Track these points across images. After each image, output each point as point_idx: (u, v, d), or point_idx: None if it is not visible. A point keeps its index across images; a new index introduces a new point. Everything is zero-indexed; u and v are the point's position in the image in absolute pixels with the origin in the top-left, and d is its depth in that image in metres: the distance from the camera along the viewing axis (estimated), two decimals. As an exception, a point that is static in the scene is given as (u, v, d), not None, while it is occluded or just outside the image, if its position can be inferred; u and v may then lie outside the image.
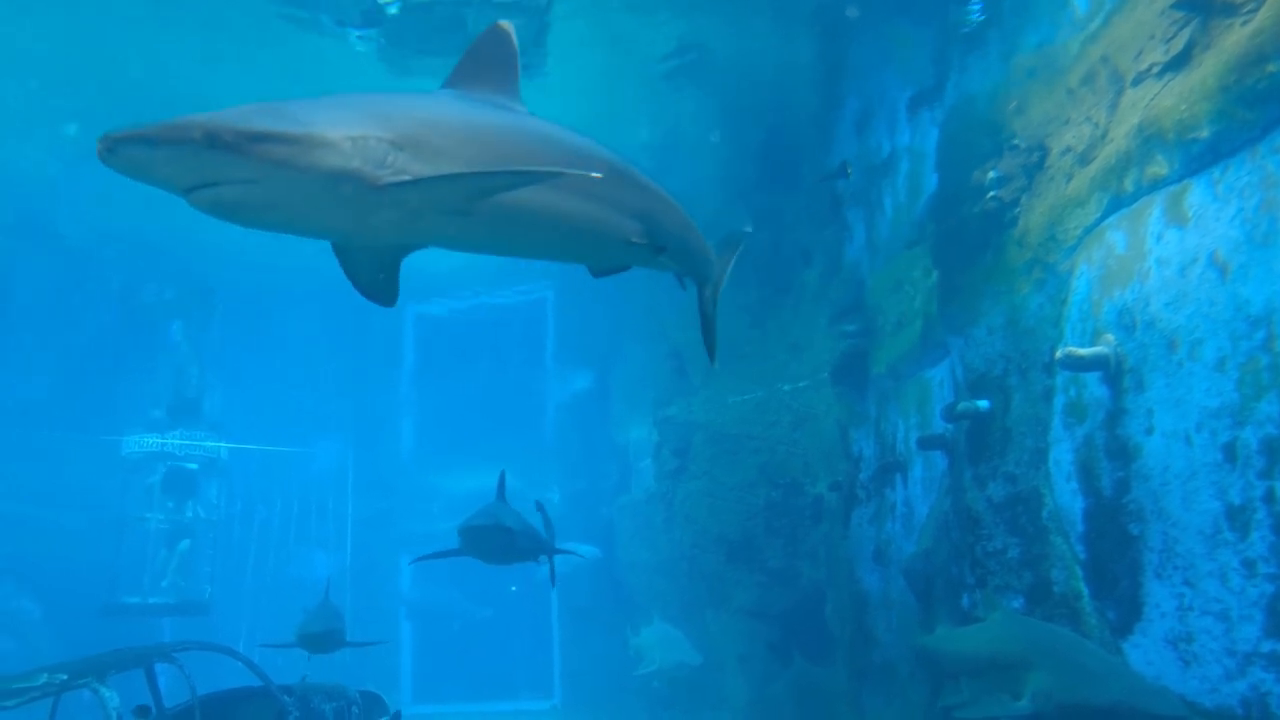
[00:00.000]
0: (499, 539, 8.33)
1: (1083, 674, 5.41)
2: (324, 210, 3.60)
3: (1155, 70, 6.38)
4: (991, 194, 7.99)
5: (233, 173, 3.34)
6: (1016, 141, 7.91)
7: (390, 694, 10.90)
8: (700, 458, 14.81)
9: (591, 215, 4.26)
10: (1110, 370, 6.43)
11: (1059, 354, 6.73)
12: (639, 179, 4.67)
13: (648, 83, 13.01)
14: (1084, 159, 7.11)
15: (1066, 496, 6.93)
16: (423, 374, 23.63)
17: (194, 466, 17.72)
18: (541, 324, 22.67)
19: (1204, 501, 5.65)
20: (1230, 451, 5.45)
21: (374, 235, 3.93)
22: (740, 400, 14.29)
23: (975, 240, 8.28)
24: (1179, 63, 6.15)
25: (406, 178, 3.52)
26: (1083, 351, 6.55)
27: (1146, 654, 6.02)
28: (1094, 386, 6.64)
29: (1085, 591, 6.68)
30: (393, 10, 11.19)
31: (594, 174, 3.93)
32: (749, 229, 6.14)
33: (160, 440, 17.69)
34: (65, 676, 7.17)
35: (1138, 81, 6.58)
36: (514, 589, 21.66)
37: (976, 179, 8.20)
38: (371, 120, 3.58)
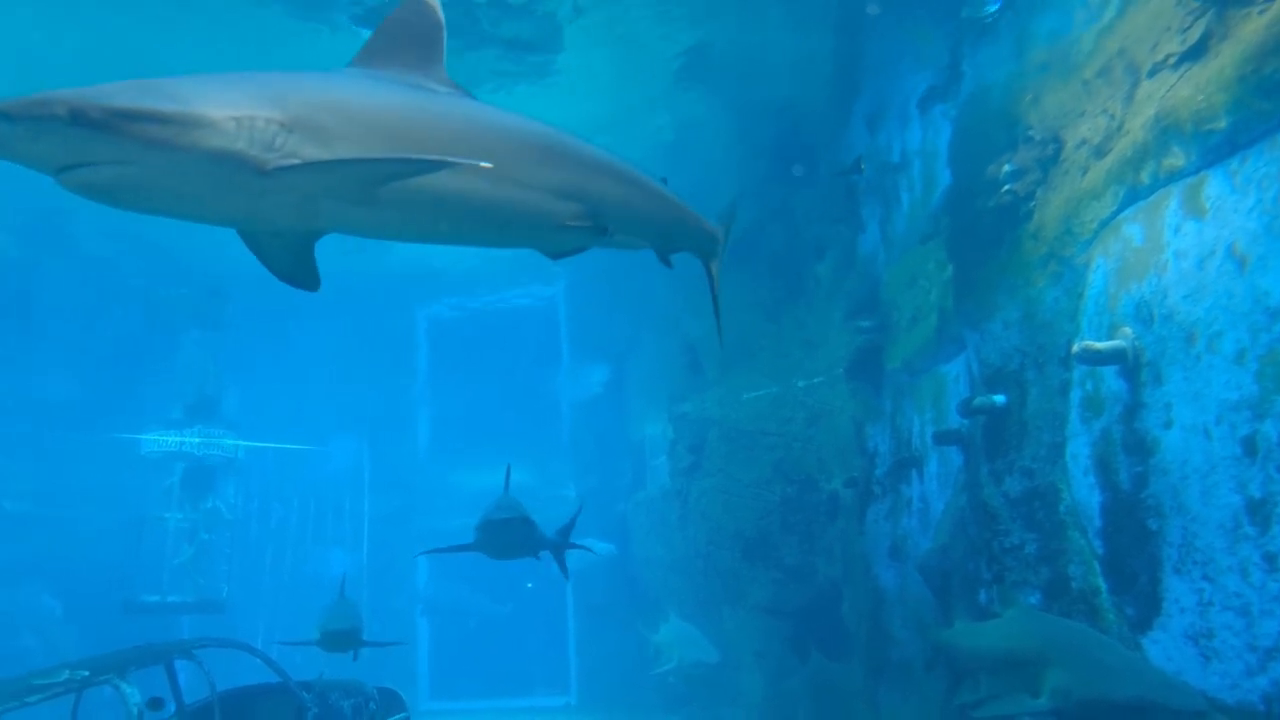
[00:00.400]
0: (519, 532, 8.15)
1: (1102, 670, 5.36)
2: (208, 195, 3.39)
3: (1171, 61, 6.32)
4: (1006, 188, 7.95)
5: (103, 153, 3.13)
6: (1031, 134, 7.86)
7: (407, 691, 10.93)
8: (715, 454, 14.80)
9: (513, 200, 4.00)
10: (1128, 364, 6.38)
11: (1076, 348, 6.68)
12: (581, 156, 4.39)
13: (661, 80, 13.01)
14: (1100, 151, 7.06)
15: (1084, 491, 6.89)
16: (437, 372, 23.73)
17: (210, 468, 17.81)
18: (554, 321, 22.71)
19: (1224, 496, 5.60)
20: (1250, 445, 5.40)
21: (271, 221, 3.70)
22: (755, 396, 14.27)
23: (990, 234, 8.24)
24: (1196, 53, 6.09)
25: (295, 162, 3.31)
26: (1100, 345, 6.51)
27: (1166, 650, 5.98)
28: (1111, 380, 6.59)
29: (1103, 587, 6.64)
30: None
31: (484, 164, 3.53)
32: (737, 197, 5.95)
33: (179, 439, 17.83)
34: (87, 673, 7.24)
35: (1154, 73, 6.53)
36: (530, 586, 21.72)
37: (991, 173, 8.15)
38: (260, 100, 3.35)
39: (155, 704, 7.31)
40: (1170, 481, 6.03)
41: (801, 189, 13.89)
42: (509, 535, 8.17)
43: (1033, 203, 7.76)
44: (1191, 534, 5.85)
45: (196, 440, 17.86)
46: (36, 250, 17.23)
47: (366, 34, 11.90)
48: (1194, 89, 5.94)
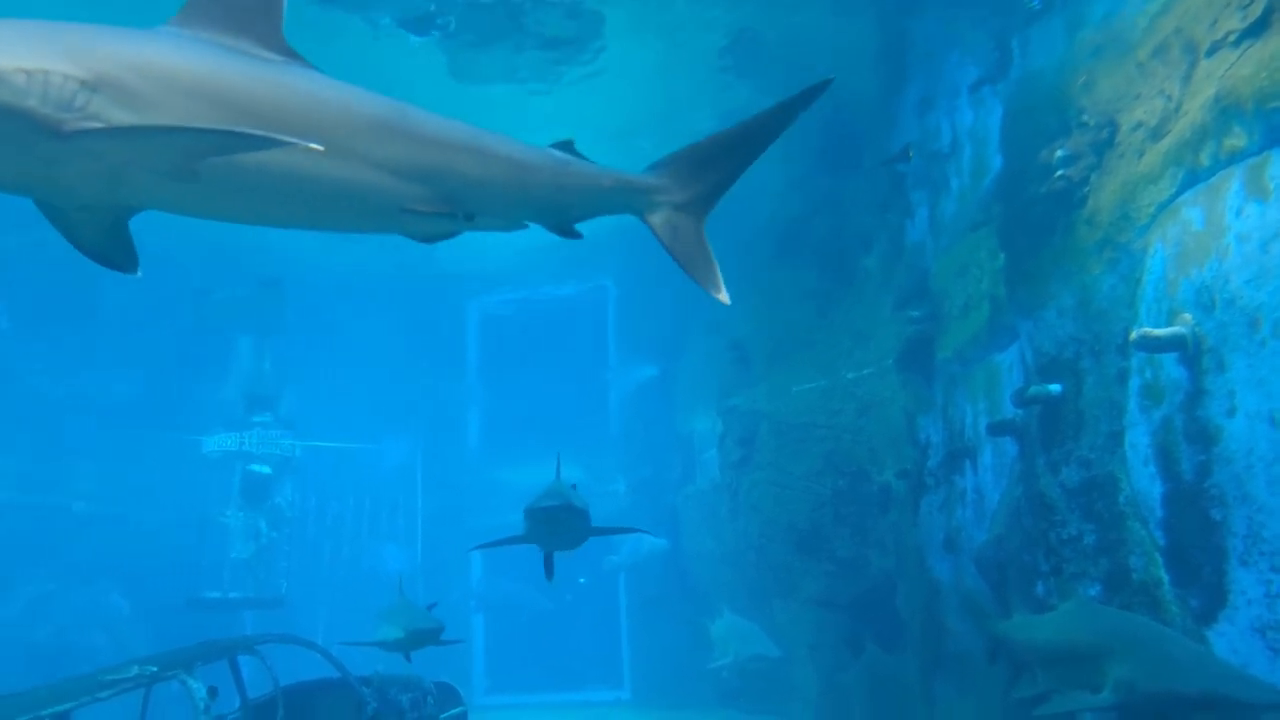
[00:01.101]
0: (565, 520, 7.78)
1: (1167, 663, 5.23)
2: None
3: (1232, 39, 6.16)
4: (1060, 173, 7.81)
5: None
6: (1085, 118, 7.71)
7: (463, 685, 11.07)
8: (765, 447, 14.75)
9: (352, 181, 3.66)
10: (1188, 351, 6.24)
11: (1134, 335, 6.55)
12: (433, 133, 4.02)
13: (704, 70, 12.96)
14: (1156, 134, 6.91)
15: (1144, 481, 6.76)
16: (487, 369, 23.92)
17: (268, 471, 18.15)
18: (603, 316, 22.77)
19: (1291, 484, 5.47)
20: (1318, 432, 5.26)
21: (76, 193, 3.36)
22: (804, 389, 14.19)
23: (1044, 221, 8.10)
24: (1258, 29, 5.93)
25: (98, 126, 2.98)
26: (1159, 332, 6.37)
27: (1232, 643, 5.84)
28: (1171, 368, 6.45)
29: (1166, 579, 6.51)
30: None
31: (313, 145, 3.18)
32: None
33: (238, 439, 18.22)
34: (155, 668, 7.45)
35: (1213, 51, 6.36)
36: (583, 581, 21.84)
37: (1044, 158, 8.02)
38: (59, 54, 3.00)
39: (211, 693, 7.53)
40: (1234, 470, 5.89)
41: (849, 179, 13.77)
42: (555, 524, 7.83)
43: (1087, 188, 7.62)
44: (1258, 524, 5.71)
45: (255, 440, 18.24)
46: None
47: (413, 40, 12.18)
48: (1256, 66, 5.78)
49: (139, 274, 3.85)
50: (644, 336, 21.14)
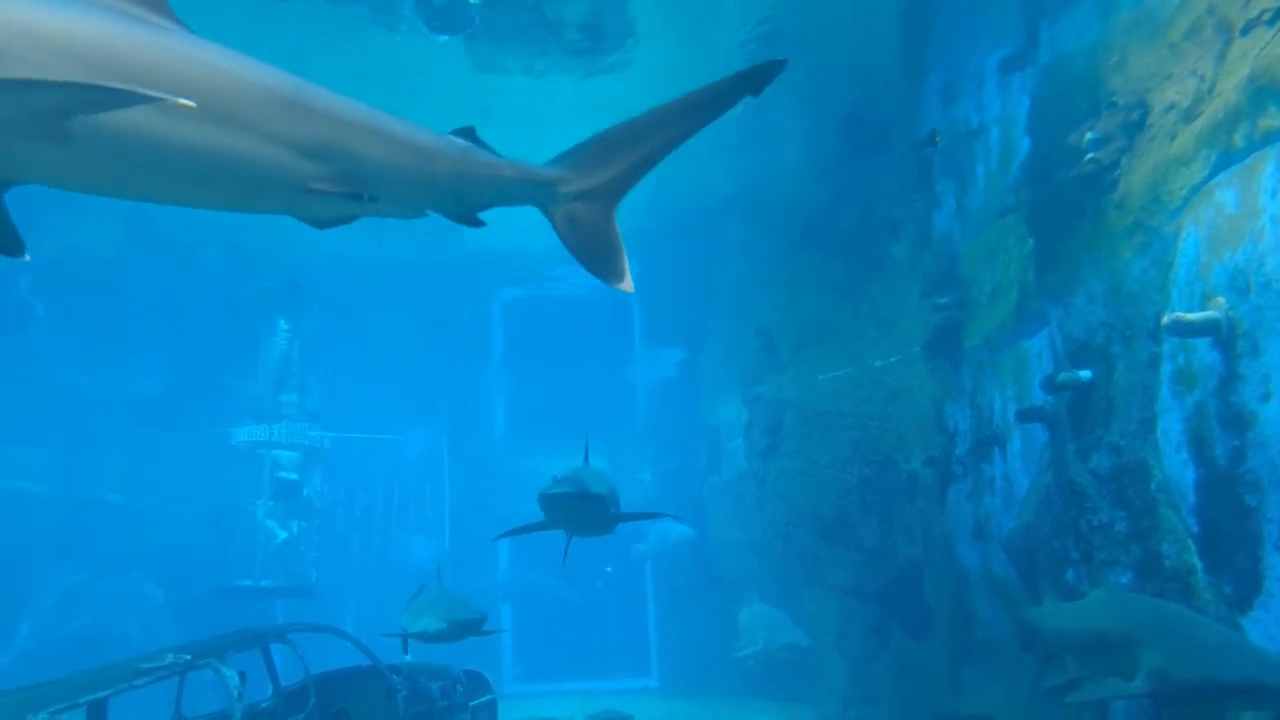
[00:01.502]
0: (580, 507, 7.47)
1: (1201, 650, 5.17)
2: None
3: (1267, 17, 6.05)
4: (1089, 156, 7.71)
5: None
6: (1115, 100, 7.60)
7: (492, 674, 11.13)
8: (792, 436, 14.71)
9: (241, 153, 3.46)
10: (1222, 335, 6.16)
11: (1166, 320, 6.47)
12: (333, 109, 3.84)
13: (730, 58, 12.89)
14: (1189, 115, 6.80)
15: (1176, 467, 6.68)
16: (512, 359, 24.00)
17: (295, 477, 18.31)
18: (628, 305, 22.79)
19: (1328, 470, 5.38)
20: (1356, 417, 5.17)
21: None
22: (831, 377, 14.13)
23: (1073, 205, 8.01)
24: (1293, 8, 5.82)
25: None
26: (1192, 316, 6.29)
27: (1268, 630, 5.77)
28: (1204, 352, 6.37)
29: (1199, 565, 6.44)
30: (474, 2, 11.30)
31: (185, 101, 2.95)
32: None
33: (267, 431, 18.41)
34: (189, 657, 7.55)
35: (1247, 30, 6.25)
36: (609, 570, 21.91)
37: (1073, 141, 7.92)
38: None
39: (240, 677, 7.64)
40: (1270, 455, 5.82)
41: (875, 165, 13.67)
42: (568, 510, 7.52)
43: (1117, 171, 7.52)
44: (1294, 510, 5.63)
45: (283, 431, 18.43)
46: (127, 248, 17.96)
47: (441, 38, 12.19)
48: (1291, 45, 5.68)
49: (27, 258, 3.56)
50: (669, 325, 21.12)
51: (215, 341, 19.29)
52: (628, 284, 4.72)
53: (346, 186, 3.81)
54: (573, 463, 8.68)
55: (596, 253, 4.80)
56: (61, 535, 17.33)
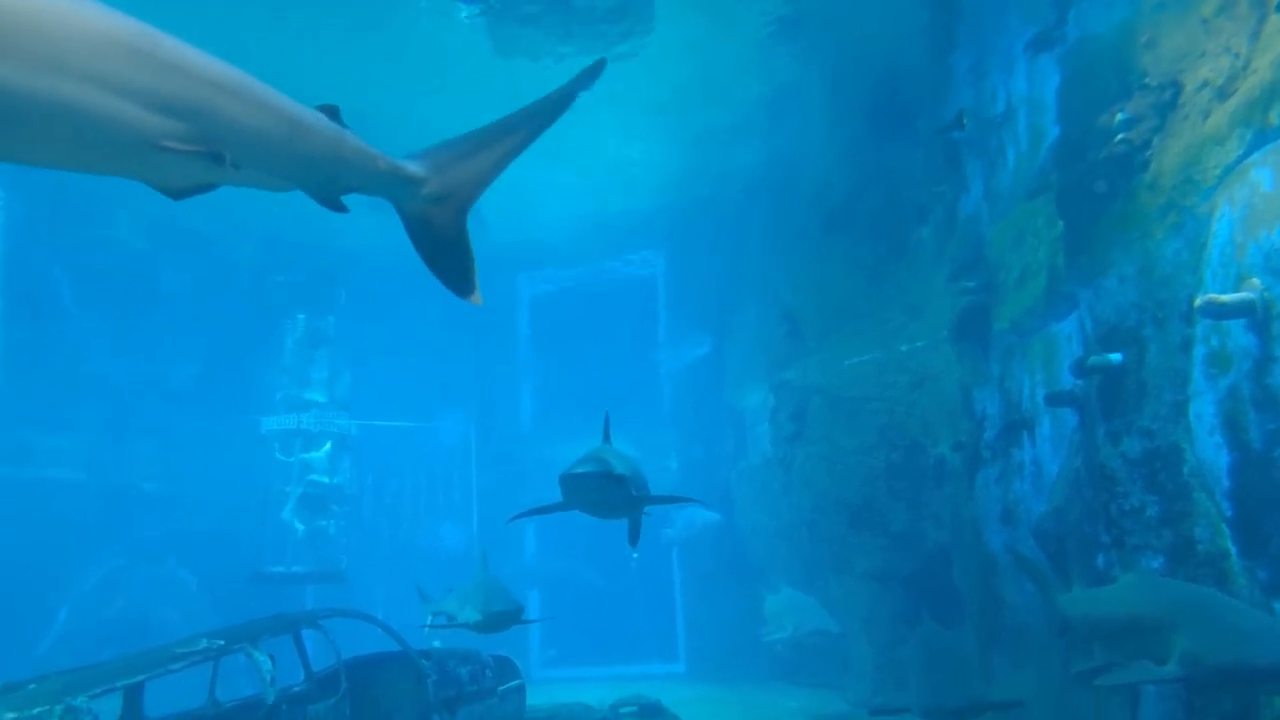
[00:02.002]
0: (603, 488, 6.99)
1: (1236, 634, 5.10)
2: None
3: (1302, -9, 5.93)
4: (1120, 136, 7.60)
5: None
6: (1147, 79, 7.49)
7: (520, 659, 11.21)
8: (818, 421, 14.66)
9: (80, 102, 3.18)
10: (1257, 317, 6.06)
11: (1199, 301, 6.38)
12: (195, 65, 3.55)
13: (754, 40, 12.83)
14: (1223, 93, 6.68)
15: (1210, 451, 6.60)
16: (539, 346, 24.09)
17: (326, 480, 18.44)
18: (653, 291, 22.79)
19: (1366, 453, 5.29)
20: (1395, 398, 5.08)
21: None
22: (857, 362, 14.06)
23: (1103, 186, 7.90)
24: (1330, -19, 5.70)
25: None
26: (1226, 298, 6.20)
27: (1303, 615, 5.71)
28: (1239, 335, 6.28)
29: (1233, 550, 6.36)
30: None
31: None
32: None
33: (296, 420, 18.59)
34: (223, 642, 7.67)
35: (1282, 5, 6.13)
36: (635, 556, 21.93)
37: (1103, 122, 7.81)
38: None
39: (269, 661, 7.76)
40: (1306, 439, 5.73)
41: (901, 148, 13.55)
42: (587, 491, 7.05)
43: (1149, 151, 7.41)
44: (1331, 494, 5.55)
45: (312, 420, 18.61)
46: (158, 240, 18.20)
47: (458, 13, 12.17)
48: (1328, 20, 5.56)
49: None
50: (694, 311, 21.12)
51: (245, 331, 19.49)
52: (477, 297, 4.61)
53: (204, 146, 3.53)
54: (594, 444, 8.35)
55: (449, 259, 4.64)
56: (99, 522, 17.64)
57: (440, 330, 22.35)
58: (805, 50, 13.02)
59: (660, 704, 12.80)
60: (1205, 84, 6.90)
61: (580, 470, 7.00)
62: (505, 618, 9.42)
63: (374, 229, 18.81)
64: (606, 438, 8.19)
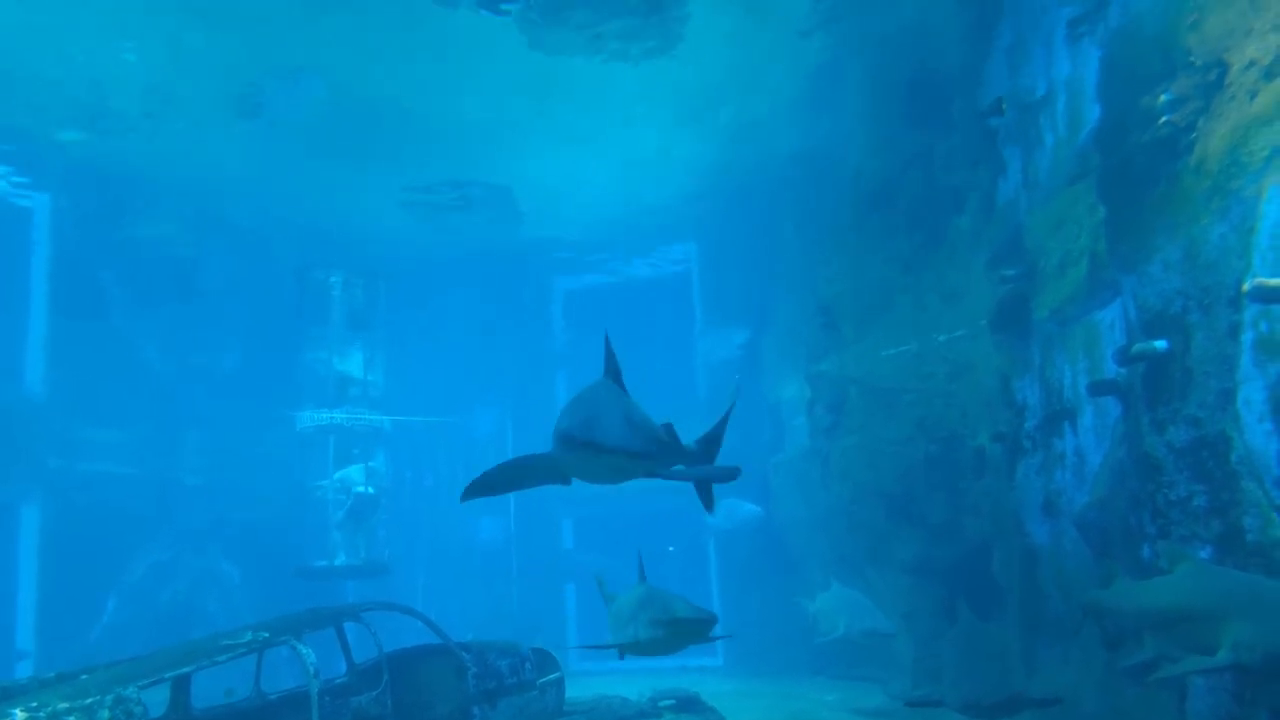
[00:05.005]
0: (596, 458, 5.10)
1: (1290, 623, 5.00)
2: None
3: (1353, -34, 5.77)
4: (1164, 119, 7.45)
5: None
6: (1191, 59, 7.32)
7: (559, 652, 11.25)
8: (855, 412, 14.56)
9: None
10: (1308, 301, 5.93)
11: (1247, 286, 6.26)
12: None
13: (789, 28, 12.73)
14: (1270, 73, 6.53)
15: (1259, 439, 6.46)
16: (574, 338, 24.16)
17: (372, 490, 18.58)
18: (688, 285, 22.76)
19: None
20: None
21: None
22: (894, 353, 13.94)
23: (1147, 170, 7.75)
24: (1382, -45, 5.55)
25: None
26: (1275, 282, 6.07)
27: (1358, 605, 5.56)
28: (1289, 320, 6.14)
29: (1284, 540, 6.23)
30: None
31: None
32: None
33: (331, 415, 18.76)
34: (267, 634, 7.78)
35: (1332, -19, 5.98)
36: (671, 549, 21.94)
37: (1146, 104, 7.65)
38: None
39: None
40: (1360, 426, 5.59)
41: (937, 135, 13.40)
42: (590, 463, 5.24)
43: (1194, 133, 7.26)
44: (1386, 482, 5.41)
45: (347, 415, 18.77)
46: (200, 235, 18.53)
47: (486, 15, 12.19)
48: (1381, -5, 5.41)
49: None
50: (730, 304, 21.06)
51: (285, 324, 19.70)
52: None
53: None
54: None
55: None
56: (146, 514, 17.99)
57: (476, 323, 22.55)
58: (841, 38, 12.90)
59: (698, 697, 12.79)
60: (1252, 63, 6.74)
61: (565, 425, 5.33)
62: (694, 628, 7.71)
63: (412, 227, 19.07)
64: (608, 372, 6.23)
